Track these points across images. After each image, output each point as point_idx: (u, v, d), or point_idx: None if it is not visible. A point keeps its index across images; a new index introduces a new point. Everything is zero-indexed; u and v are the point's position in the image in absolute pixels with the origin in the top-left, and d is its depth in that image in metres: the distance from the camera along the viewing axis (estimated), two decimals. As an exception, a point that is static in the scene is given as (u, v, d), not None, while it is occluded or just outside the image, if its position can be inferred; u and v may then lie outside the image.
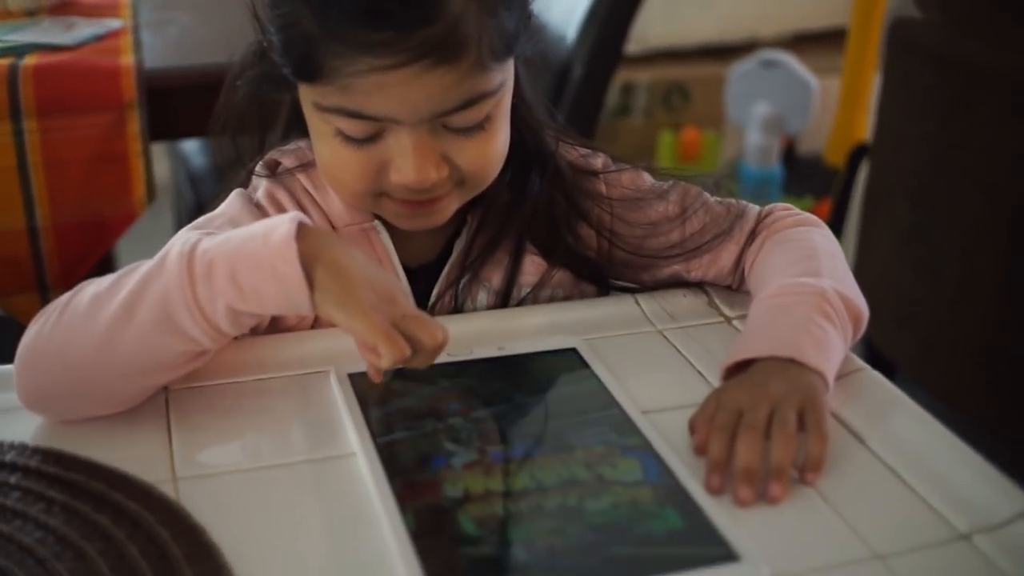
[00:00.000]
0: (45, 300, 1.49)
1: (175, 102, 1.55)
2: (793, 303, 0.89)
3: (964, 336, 2.02)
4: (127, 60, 1.52)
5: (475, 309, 1.01)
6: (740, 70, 3.23)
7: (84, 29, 1.64)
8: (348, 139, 0.88)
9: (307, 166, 0.99)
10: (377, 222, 0.98)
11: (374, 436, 0.80)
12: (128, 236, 1.54)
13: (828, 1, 3.42)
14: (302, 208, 0.98)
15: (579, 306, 1.02)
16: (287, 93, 0.96)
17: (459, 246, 1.00)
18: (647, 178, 1.05)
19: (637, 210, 1.03)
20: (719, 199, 1.05)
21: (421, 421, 0.83)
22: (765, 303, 0.92)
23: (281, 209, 0.97)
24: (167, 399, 0.86)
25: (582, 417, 0.84)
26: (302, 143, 1.00)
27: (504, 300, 1.02)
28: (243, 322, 0.83)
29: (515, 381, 0.89)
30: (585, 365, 0.90)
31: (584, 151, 1.06)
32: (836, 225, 2.72)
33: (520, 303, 1.02)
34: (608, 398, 0.86)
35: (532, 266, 1.02)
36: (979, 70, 1.94)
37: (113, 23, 1.69)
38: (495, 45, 0.86)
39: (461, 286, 1.00)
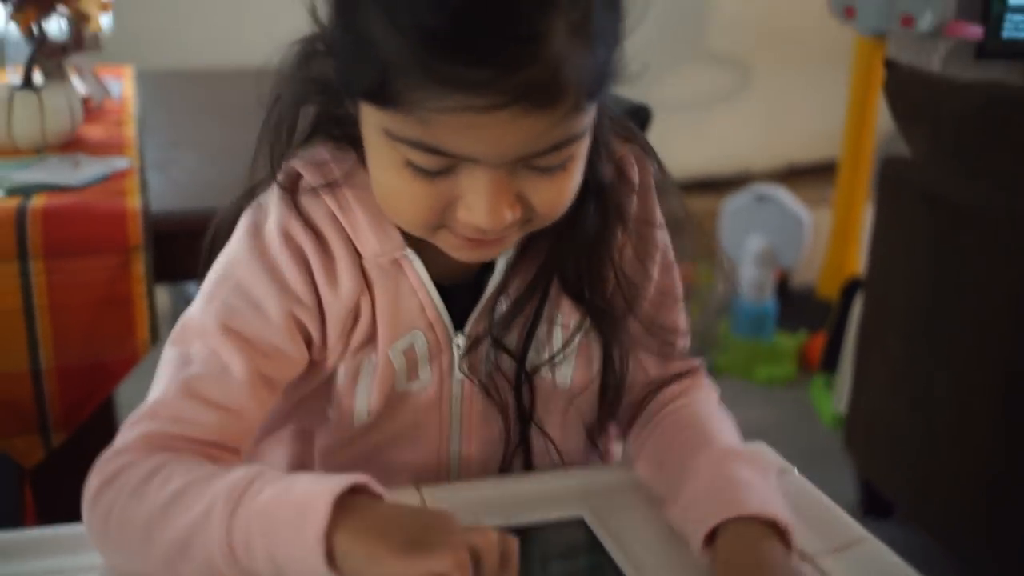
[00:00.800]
0: (47, 442, 1.49)
1: (179, 245, 1.55)
2: (756, 469, 0.90)
3: (961, 475, 2.02)
4: (133, 203, 1.53)
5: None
6: (733, 204, 3.28)
7: (91, 168, 1.67)
8: (418, 170, 0.80)
9: (332, 185, 0.91)
10: (409, 250, 0.92)
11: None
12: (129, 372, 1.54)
13: (819, 135, 3.49)
14: (319, 237, 0.91)
15: (585, 473, 1.02)
16: (341, 107, 0.88)
17: (500, 270, 0.95)
18: (665, 239, 1.03)
19: (643, 244, 1.00)
20: (685, 329, 1.05)
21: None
22: (739, 465, 0.91)
23: (297, 249, 0.91)
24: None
25: (591, 594, 0.84)
26: (327, 154, 0.92)
27: (530, 330, 0.96)
28: None
29: (523, 553, 0.88)
30: (593, 536, 0.90)
31: (635, 150, 0.99)
32: (830, 360, 2.73)
33: (552, 357, 0.97)
34: (617, 573, 0.86)
35: (559, 298, 0.97)
36: (968, 209, 1.97)
37: (119, 162, 1.71)
38: (591, 84, 0.78)
39: (496, 331, 0.95)
